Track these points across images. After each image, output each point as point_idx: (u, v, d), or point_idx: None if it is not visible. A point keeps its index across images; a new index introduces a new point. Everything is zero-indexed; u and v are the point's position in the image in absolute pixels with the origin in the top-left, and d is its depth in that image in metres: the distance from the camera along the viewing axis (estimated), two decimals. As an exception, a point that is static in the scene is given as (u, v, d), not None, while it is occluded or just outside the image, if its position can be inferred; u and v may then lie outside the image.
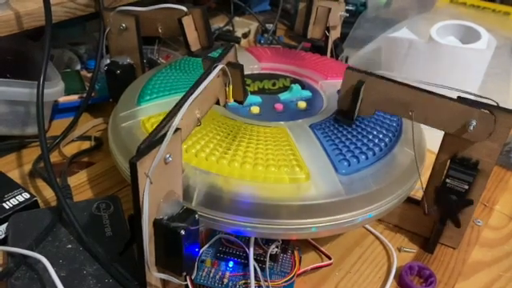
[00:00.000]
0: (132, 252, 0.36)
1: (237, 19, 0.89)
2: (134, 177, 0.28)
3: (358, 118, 0.44)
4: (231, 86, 0.38)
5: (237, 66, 0.37)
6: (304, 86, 0.51)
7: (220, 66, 0.36)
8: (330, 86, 0.50)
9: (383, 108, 0.40)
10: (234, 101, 0.39)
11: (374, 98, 0.39)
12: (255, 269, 0.37)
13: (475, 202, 0.40)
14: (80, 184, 0.50)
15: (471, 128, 0.36)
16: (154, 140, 0.29)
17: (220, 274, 0.38)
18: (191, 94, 0.33)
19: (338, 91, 0.42)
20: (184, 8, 0.50)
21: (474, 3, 0.87)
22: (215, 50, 0.54)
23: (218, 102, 0.38)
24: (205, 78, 0.34)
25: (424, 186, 0.42)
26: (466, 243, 0.45)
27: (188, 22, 0.50)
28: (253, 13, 0.87)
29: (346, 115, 0.41)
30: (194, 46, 0.51)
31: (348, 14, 0.65)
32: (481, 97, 0.37)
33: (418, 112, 0.38)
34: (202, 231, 0.40)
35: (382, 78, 0.38)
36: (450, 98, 0.37)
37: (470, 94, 0.37)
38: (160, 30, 0.54)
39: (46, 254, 0.35)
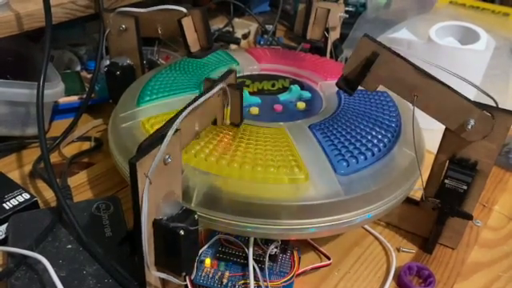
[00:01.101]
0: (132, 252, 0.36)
1: (236, 20, 0.89)
2: (134, 177, 0.28)
3: (357, 119, 0.44)
4: (229, 107, 0.38)
5: (237, 87, 0.38)
6: (303, 87, 0.51)
7: (221, 85, 0.36)
8: (330, 87, 0.50)
9: (388, 85, 0.39)
10: (231, 123, 0.40)
11: (382, 73, 0.38)
12: (254, 269, 0.37)
13: (474, 202, 0.40)
14: (80, 184, 0.50)
15: (469, 127, 0.37)
16: (153, 140, 0.30)
17: (219, 274, 0.38)
18: (193, 102, 0.33)
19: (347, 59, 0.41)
20: (183, 9, 0.50)
21: (474, 4, 0.88)
22: (215, 51, 0.54)
23: (215, 122, 0.39)
24: (206, 93, 0.35)
25: (423, 187, 0.42)
26: (465, 244, 0.45)
27: (187, 23, 0.50)
28: (252, 14, 0.87)
29: (348, 84, 0.40)
30: (194, 46, 0.51)
31: (347, 15, 0.65)
32: (483, 92, 0.37)
33: (422, 98, 0.37)
34: (201, 231, 0.40)
35: (398, 54, 0.37)
36: (456, 92, 0.37)
37: (473, 85, 0.37)
38: (160, 31, 0.54)
39: (45, 255, 0.35)
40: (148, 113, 0.44)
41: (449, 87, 0.36)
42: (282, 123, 0.43)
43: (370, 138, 0.41)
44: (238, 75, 0.43)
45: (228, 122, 0.40)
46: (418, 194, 0.44)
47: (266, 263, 0.38)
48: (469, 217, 0.41)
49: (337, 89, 0.44)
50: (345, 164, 0.38)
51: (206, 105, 0.35)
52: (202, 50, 0.53)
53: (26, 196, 0.43)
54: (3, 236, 0.40)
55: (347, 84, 0.40)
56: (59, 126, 0.57)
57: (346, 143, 0.40)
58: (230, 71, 0.39)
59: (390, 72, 0.38)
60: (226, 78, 0.38)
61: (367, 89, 0.39)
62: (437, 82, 0.37)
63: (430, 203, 0.42)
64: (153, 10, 0.53)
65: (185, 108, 0.33)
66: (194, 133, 0.35)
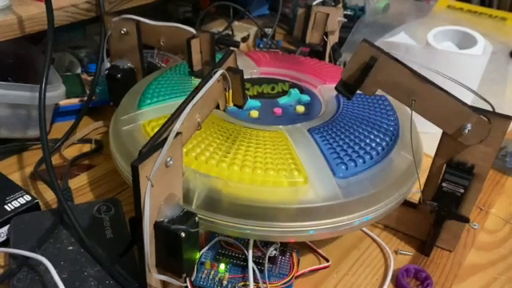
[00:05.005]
0: (133, 254, 0.37)
1: (236, 23, 0.89)
2: (136, 180, 0.28)
3: (355, 122, 0.44)
4: (231, 91, 0.38)
5: (237, 71, 0.38)
6: (302, 91, 0.51)
7: (220, 71, 0.36)
8: (329, 91, 0.51)
9: (386, 90, 0.39)
10: (234, 105, 0.40)
11: (380, 78, 0.38)
12: (254, 271, 0.38)
13: (471, 205, 0.41)
14: (81, 186, 0.50)
15: (466, 131, 0.37)
16: (155, 144, 0.30)
17: (219, 275, 0.38)
18: (192, 98, 0.33)
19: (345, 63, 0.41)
20: (193, 30, 0.51)
21: (471, 8, 0.88)
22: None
23: (218, 107, 0.39)
24: (205, 83, 0.35)
25: (421, 190, 0.42)
26: (462, 246, 0.46)
27: (195, 45, 0.51)
28: (252, 17, 0.88)
29: (347, 88, 0.40)
30: (197, 66, 0.52)
31: (346, 19, 0.65)
32: (480, 96, 0.38)
33: (420, 102, 0.38)
34: (201, 233, 0.41)
35: (396, 59, 0.38)
36: (454, 97, 0.37)
37: (470, 90, 0.37)
38: (162, 43, 0.54)
39: (47, 256, 0.36)
40: (149, 116, 0.44)
41: (446, 92, 0.37)
42: (281, 126, 0.44)
43: (368, 141, 0.42)
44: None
45: (231, 105, 0.39)
46: (415, 196, 0.44)
47: (266, 265, 0.38)
48: (466, 220, 0.41)
49: (336, 92, 0.44)
50: (343, 167, 0.39)
51: (206, 94, 0.35)
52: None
53: (28, 198, 0.43)
54: (5, 237, 0.41)
55: (346, 88, 0.40)
56: (60, 129, 0.57)
57: (345, 146, 0.41)
58: (229, 53, 0.39)
59: (388, 76, 0.38)
60: (224, 61, 0.37)
61: (365, 93, 0.39)
62: (434, 86, 0.37)
63: (427, 206, 0.42)
64: (161, 25, 0.53)
65: (185, 102, 0.32)
66: (196, 125, 0.35)
